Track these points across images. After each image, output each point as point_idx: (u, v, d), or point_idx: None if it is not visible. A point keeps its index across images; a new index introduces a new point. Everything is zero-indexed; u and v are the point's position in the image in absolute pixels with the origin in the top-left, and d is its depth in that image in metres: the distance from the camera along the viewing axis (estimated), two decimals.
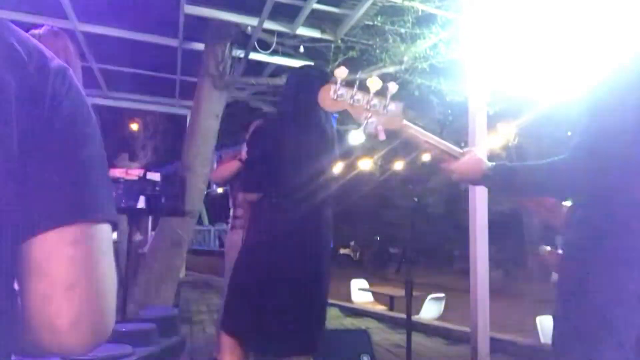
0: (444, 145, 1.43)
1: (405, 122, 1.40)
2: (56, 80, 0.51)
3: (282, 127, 2.11)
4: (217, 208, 15.43)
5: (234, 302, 2.03)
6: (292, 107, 2.18)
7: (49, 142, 0.50)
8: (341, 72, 1.39)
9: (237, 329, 1.96)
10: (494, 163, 1.37)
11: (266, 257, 1.99)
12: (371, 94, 1.37)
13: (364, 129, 1.37)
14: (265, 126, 2.23)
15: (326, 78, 2.12)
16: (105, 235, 0.52)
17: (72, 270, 0.48)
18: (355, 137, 1.44)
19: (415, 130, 1.42)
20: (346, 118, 6.88)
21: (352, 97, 1.37)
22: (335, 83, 1.38)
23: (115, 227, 0.56)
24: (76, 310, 0.48)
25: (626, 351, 1.15)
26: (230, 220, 3.27)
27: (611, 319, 1.16)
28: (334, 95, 1.38)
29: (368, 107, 1.37)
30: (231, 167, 2.99)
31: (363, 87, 1.38)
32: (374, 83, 1.36)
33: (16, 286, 0.49)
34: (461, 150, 1.45)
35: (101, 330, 0.50)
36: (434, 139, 1.44)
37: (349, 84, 1.39)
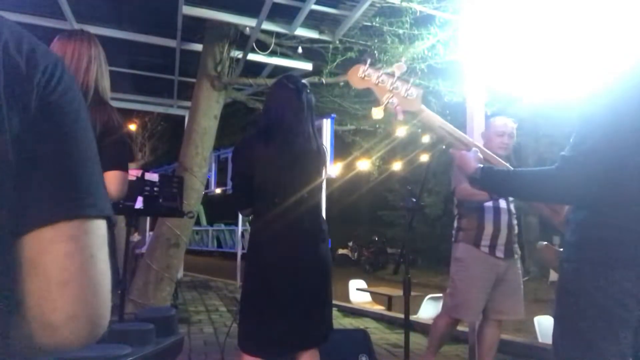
0: (457, 133, 1.52)
1: (423, 106, 1.49)
2: (44, 75, 0.50)
3: (251, 144, 2.10)
4: (215, 208, 15.35)
5: (249, 321, 2.05)
6: (261, 124, 2.17)
7: (41, 137, 0.49)
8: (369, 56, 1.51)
9: (258, 348, 2.00)
10: (481, 166, 1.44)
11: (269, 276, 2.01)
12: (395, 77, 1.47)
13: (384, 108, 1.48)
14: (240, 144, 2.23)
15: (300, 92, 2.12)
16: (101, 230, 0.53)
17: (67, 266, 0.48)
18: (375, 114, 1.56)
19: (430, 115, 1.51)
20: (346, 119, 6.90)
21: (378, 77, 1.48)
22: (365, 63, 1.48)
23: (110, 222, 0.56)
24: (72, 306, 0.48)
25: (623, 349, 1.17)
26: (454, 232, 3.12)
27: (609, 318, 1.18)
28: (362, 74, 1.48)
29: (391, 88, 1.47)
30: (475, 197, 2.87)
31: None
32: (400, 68, 1.47)
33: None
34: (471, 141, 1.52)
35: (97, 325, 0.51)
36: (448, 125, 1.52)
37: (376, 66, 1.51)
